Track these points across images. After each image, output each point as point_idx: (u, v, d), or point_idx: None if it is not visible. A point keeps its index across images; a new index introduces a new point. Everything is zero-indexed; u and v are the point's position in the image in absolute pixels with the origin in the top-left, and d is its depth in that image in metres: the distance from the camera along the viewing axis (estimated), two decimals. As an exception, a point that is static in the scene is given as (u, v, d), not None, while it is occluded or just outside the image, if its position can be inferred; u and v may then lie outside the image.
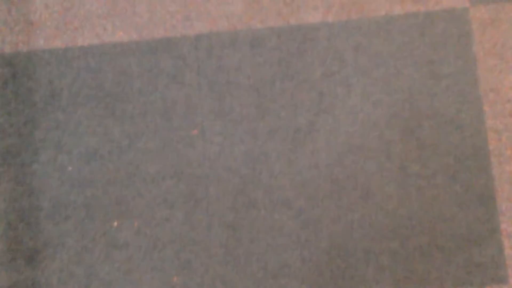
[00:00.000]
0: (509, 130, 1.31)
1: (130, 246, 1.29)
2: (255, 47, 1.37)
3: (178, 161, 1.32)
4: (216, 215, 1.30)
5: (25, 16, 1.41)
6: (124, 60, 1.38)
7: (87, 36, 1.39)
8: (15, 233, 1.30)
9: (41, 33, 1.40)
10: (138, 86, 1.36)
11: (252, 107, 1.34)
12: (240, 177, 1.31)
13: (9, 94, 1.37)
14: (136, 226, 1.30)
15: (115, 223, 1.30)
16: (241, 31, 1.38)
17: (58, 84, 1.37)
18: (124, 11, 1.40)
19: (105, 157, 1.33)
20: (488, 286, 1.25)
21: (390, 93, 1.34)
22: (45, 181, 1.32)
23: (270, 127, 1.33)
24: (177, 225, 1.30)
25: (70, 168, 1.33)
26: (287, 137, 1.33)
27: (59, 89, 1.37)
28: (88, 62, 1.38)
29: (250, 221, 1.29)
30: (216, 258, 1.28)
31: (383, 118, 1.33)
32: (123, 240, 1.29)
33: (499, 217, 1.26)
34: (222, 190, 1.31)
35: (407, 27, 1.36)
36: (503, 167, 1.29)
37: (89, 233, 1.30)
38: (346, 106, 1.34)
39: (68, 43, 1.39)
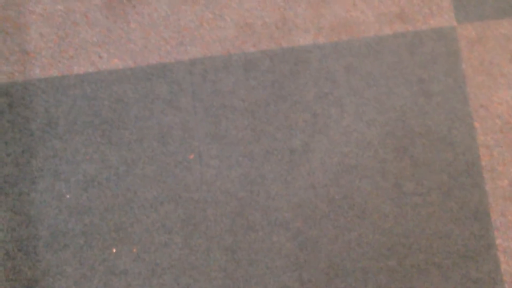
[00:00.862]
0: (500, 146, 1.33)
1: (129, 272, 1.29)
2: (249, 70, 1.39)
3: (175, 186, 1.33)
4: (215, 239, 1.30)
5: (20, 46, 1.42)
6: (120, 87, 1.39)
7: (82, 64, 1.41)
8: (13, 263, 1.30)
9: (36, 62, 1.41)
10: (134, 112, 1.38)
11: (248, 129, 1.36)
12: (237, 199, 1.32)
13: (5, 124, 1.38)
14: (135, 252, 1.30)
15: (114, 250, 1.30)
16: (234, 55, 1.40)
17: (55, 112, 1.38)
18: (119, 38, 1.42)
19: (103, 184, 1.34)
20: (487, 301, 1.26)
21: (383, 112, 1.36)
22: (43, 209, 1.32)
23: (266, 149, 1.35)
24: (176, 250, 1.30)
25: (68, 196, 1.33)
26: (283, 159, 1.34)
27: (55, 117, 1.38)
28: (84, 89, 1.39)
29: (249, 244, 1.30)
30: (215, 282, 1.28)
31: (376, 137, 1.35)
32: (122, 267, 1.29)
33: (494, 232, 1.28)
34: (220, 213, 1.31)
35: (396, 47, 1.39)
36: (496, 182, 1.31)
37: (87, 261, 1.30)
38: (340, 126, 1.35)
39: (63, 71, 1.40)
